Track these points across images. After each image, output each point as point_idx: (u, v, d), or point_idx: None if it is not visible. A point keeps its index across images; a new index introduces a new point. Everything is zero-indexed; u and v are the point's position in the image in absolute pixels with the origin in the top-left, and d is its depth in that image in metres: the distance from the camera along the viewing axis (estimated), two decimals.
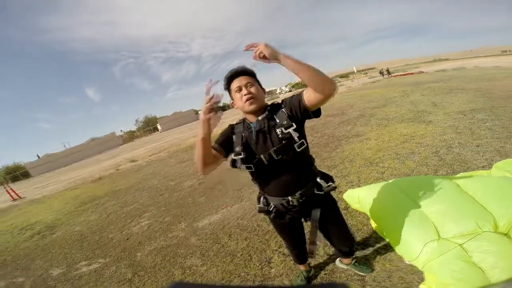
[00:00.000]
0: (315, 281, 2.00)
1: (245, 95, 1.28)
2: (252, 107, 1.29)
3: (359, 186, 3.22)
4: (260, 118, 1.32)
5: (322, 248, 2.29)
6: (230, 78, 1.33)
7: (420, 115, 6.01)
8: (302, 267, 1.99)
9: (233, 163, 1.36)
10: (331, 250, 2.19)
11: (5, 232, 5.81)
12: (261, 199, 1.51)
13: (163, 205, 4.69)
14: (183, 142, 13.56)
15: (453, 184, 2.23)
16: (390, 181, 2.78)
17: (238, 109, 1.36)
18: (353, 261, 1.96)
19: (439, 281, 1.58)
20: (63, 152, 37.86)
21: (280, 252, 2.41)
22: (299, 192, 1.37)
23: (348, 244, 1.69)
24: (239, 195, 4.03)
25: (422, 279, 1.74)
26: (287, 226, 1.61)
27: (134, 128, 56.60)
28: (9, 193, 11.77)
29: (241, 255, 2.53)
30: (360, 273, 1.93)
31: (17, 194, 11.66)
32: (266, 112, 1.34)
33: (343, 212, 2.74)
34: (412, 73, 27.41)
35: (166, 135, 27.84)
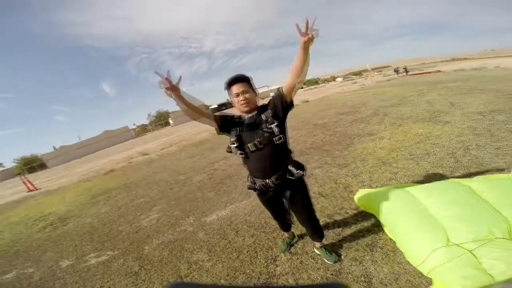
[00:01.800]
0: (316, 282, 1.98)
1: (241, 100, 1.66)
2: (246, 109, 1.69)
3: (371, 186, 3.15)
4: (250, 115, 1.72)
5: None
6: (230, 84, 1.68)
7: (436, 115, 5.83)
8: (286, 234, 2.42)
9: (229, 149, 1.77)
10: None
11: (19, 223, 5.96)
12: (249, 178, 1.88)
13: (172, 199, 4.72)
14: (194, 137, 13.65)
15: (467, 188, 2.18)
16: (401, 185, 2.72)
17: (235, 108, 1.75)
18: (321, 247, 2.19)
19: (448, 287, 1.53)
20: (78, 144, 38.68)
21: (286, 250, 2.38)
22: (274, 176, 1.72)
23: (310, 223, 2.01)
24: (248, 191, 4.00)
25: (429, 283, 1.70)
26: (269, 201, 1.99)
27: (146, 122, 57.28)
28: (25, 184, 12.09)
29: (247, 252, 2.52)
30: (326, 260, 2.12)
31: (33, 185, 11.96)
32: (256, 111, 1.72)
33: (353, 212, 2.70)
34: (429, 72, 26.66)
35: (177, 129, 28.12)
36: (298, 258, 2.25)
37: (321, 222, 2.63)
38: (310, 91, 33.00)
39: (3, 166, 45.12)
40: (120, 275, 2.74)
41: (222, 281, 2.23)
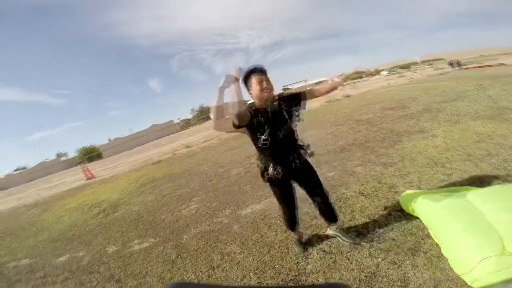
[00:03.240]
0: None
1: (265, 87, 1.74)
2: (269, 96, 1.77)
3: (420, 188, 2.88)
4: (274, 103, 1.81)
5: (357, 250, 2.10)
6: (250, 73, 1.76)
7: (501, 112, 5.12)
8: (295, 235, 2.36)
9: (256, 141, 1.82)
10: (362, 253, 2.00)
11: (77, 209, 6.58)
12: (270, 168, 1.90)
13: (211, 190, 4.86)
14: None
15: None
16: (455, 188, 2.47)
17: (254, 97, 1.80)
18: (338, 229, 2.31)
19: None
20: (129, 137, 42.00)
21: (320, 248, 2.28)
22: (293, 155, 1.89)
23: (325, 197, 2.11)
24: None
25: None
26: (286, 188, 2.04)
27: (189, 116, 59.68)
28: (84, 172, 13.37)
29: (279, 247, 2.48)
30: (343, 241, 2.23)
31: (91, 174, 13.19)
32: (277, 100, 1.84)
33: (397, 214, 2.50)
34: (490, 65, 23.69)
35: None
36: (331, 258, 2.15)
37: (360, 222, 2.51)
38: (352, 85, 31.52)
39: (67, 156, 50.56)
40: (158, 262, 2.87)
41: (251, 274, 2.22)
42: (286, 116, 1.82)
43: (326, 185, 2.20)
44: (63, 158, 45.21)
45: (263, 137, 1.76)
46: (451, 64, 27.77)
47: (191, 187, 5.51)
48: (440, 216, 1.97)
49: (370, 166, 3.87)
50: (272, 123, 1.78)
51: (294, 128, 1.88)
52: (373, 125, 6.49)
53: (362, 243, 2.20)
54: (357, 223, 2.51)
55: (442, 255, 1.86)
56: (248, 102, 2.00)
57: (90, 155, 40.02)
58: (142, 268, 2.84)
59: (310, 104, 1.73)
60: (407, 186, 2.98)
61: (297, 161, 1.90)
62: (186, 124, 53.84)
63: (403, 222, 2.36)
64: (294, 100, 1.89)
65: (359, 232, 2.33)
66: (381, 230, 2.32)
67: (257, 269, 2.27)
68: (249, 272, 2.25)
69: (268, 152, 1.87)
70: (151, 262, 2.91)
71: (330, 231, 2.34)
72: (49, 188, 14.41)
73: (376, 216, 2.55)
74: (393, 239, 2.16)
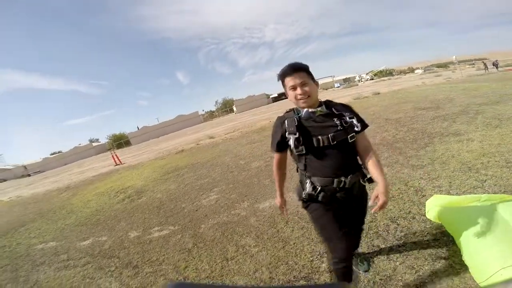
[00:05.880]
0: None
1: (299, 94, 1.37)
2: (306, 105, 1.39)
3: (449, 193, 2.69)
4: (317, 108, 1.40)
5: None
6: (284, 74, 1.41)
7: None
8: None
9: (285, 145, 1.46)
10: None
11: (104, 194, 6.88)
12: (307, 183, 1.43)
13: (231, 182, 4.90)
14: (255, 124, 13.98)
15: None
16: (488, 195, 2.29)
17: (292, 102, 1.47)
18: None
19: None
20: (156, 126, 43.58)
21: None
22: (350, 176, 1.37)
23: (359, 235, 1.81)
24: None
25: None
26: (334, 214, 1.44)
27: (213, 108, 61.05)
28: (113, 158, 13.99)
29: (294, 243, 2.44)
30: (355, 269, 1.82)
31: (119, 160, 13.76)
32: (323, 105, 1.42)
33: (422, 218, 2.39)
34: None
35: (240, 116, 29.18)
36: None
37: (382, 224, 2.41)
38: (383, 83, 30.17)
39: (99, 142, 53.41)
40: (175, 250, 2.93)
41: (263, 269, 2.21)
42: (337, 123, 1.36)
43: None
44: (95, 144, 47.76)
45: (293, 137, 1.37)
46: (495, 65, 25.58)
47: (212, 177, 5.58)
48: (465, 223, 1.85)
49: (397, 168, 3.69)
50: (312, 128, 1.37)
51: (351, 141, 1.38)
52: (403, 125, 6.17)
53: (381, 246, 2.12)
54: (378, 225, 2.41)
55: (463, 262, 1.76)
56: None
57: (119, 141, 41.97)
58: (159, 255, 2.91)
59: (338, 100, 1.56)
60: (436, 191, 2.81)
61: (352, 183, 1.39)
62: (210, 115, 55.03)
63: (427, 227, 2.23)
64: (349, 111, 1.45)
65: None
66: (402, 234, 2.21)
67: (270, 264, 2.25)
68: (261, 267, 2.24)
69: (304, 162, 1.43)
70: (168, 250, 2.97)
71: None
72: (81, 173, 15.25)
73: (399, 219, 2.43)
74: (414, 243, 2.06)
